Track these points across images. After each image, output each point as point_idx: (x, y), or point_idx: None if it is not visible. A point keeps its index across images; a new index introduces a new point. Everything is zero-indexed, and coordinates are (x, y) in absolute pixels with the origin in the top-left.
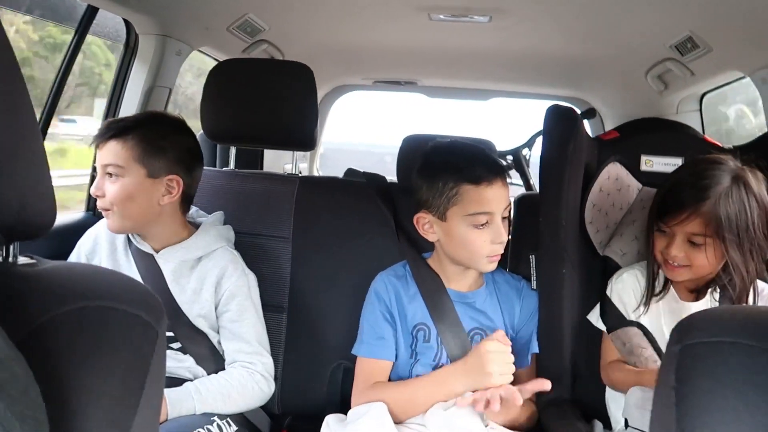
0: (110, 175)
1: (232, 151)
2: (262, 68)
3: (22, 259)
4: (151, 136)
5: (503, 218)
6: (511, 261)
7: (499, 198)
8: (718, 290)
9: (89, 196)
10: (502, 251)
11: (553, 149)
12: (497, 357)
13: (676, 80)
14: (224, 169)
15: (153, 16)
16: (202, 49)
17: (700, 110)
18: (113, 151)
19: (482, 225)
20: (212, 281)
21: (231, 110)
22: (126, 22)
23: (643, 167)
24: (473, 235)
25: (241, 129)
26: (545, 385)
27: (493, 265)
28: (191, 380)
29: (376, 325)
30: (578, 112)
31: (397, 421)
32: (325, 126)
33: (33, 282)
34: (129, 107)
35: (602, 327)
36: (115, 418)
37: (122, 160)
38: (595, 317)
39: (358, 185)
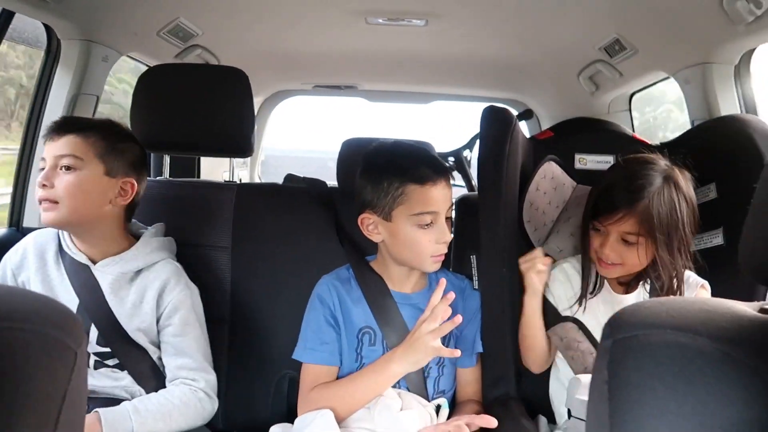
0: (65, 168)
1: (166, 159)
2: (195, 73)
3: None
4: (111, 136)
5: (447, 218)
6: (454, 262)
7: (444, 198)
8: (649, 282)
9: (12, 210)
10: (446, 251)
11: (490, 150)
12: (436, 335)
13: (606, 81)
14: (158, 178)
15: (75, 20)
16: (131, 55)
17: (630, 110)
18: (72, 143)
19: (427, 225)
20: (153, 294)
21: (163, 117)
22: (46, 26)
23: (577, 165)
24: (418, 234)
25: (175, 136)
26: (492, 422)
27: (438, 265)
28: (128, 400)
29: (319, 330)
30: (515, 113)
31: (344, 419)
32: (265, 132)
33: None
34: (53, 116)
35: None
36: None
37: (82, 152)
38: None
39: (299, 191)
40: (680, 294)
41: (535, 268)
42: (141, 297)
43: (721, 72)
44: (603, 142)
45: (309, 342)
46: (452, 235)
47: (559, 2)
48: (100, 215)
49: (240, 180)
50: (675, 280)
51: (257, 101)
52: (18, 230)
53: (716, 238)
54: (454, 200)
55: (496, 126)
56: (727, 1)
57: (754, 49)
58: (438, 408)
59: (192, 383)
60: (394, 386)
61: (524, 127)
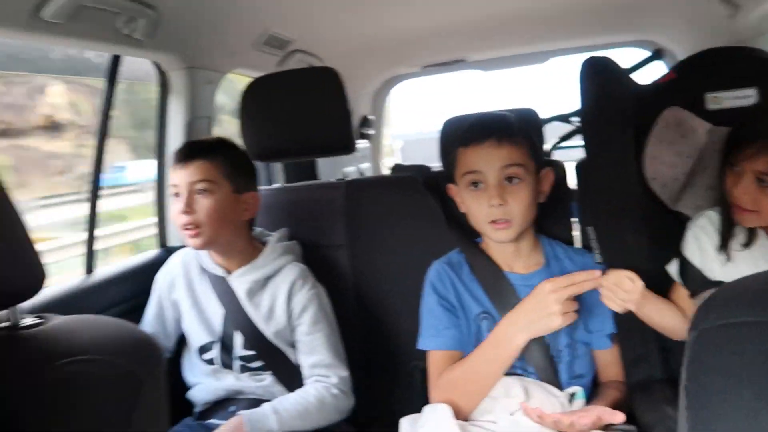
0: (200, 192)
1: (277, 166)
2: (287, 80)
3: (28, 320)
4: (233, 155)
5: (509, 179)
6: (583, 234)
7: (489, 157)
8: None
9: (161, 234)
10: (503, 216)
11: (591, 107)
12: (559, 296)
13: None
14: (273, 186)
15: (175, 53)
16: (235, 72)
17: None
18: (203, 168)
19: (477, 186)
20: (283, 297)
21: (266, 127)
22: (153, 62)
23: (710, 106)
24: (470, 197)
25: (281, 144)
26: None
27: (503, 234)
28: (268, 401)
29: (434, 315)
30: (647, 54)
31: (470, 404)
32: (385, 120)
33: (32, 343)
34: (175, 142)
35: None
36: None
37: (213, 176)
38: (674, 269)
39: (405, 180)
40: None
41: (616, 296)
42: (273, 301)
43: None
44: (742, 73)
45: (428, 329)
46: (520, 200)
47: None
48: (235, 230)
49: (363, 174)
50: None
51: (368, 90)
52: (165, 250)
53: None
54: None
55: (596, 79)
56: None
57: None
58: (572, 397)
59: (325, 380)
60: (520, 374)
61: (662, 68)
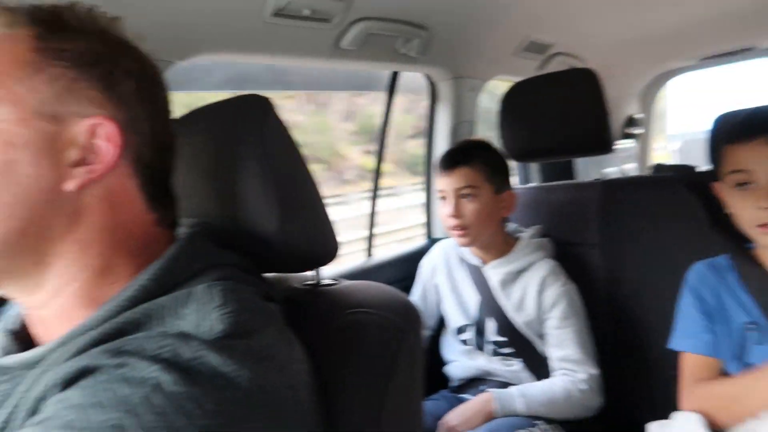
0: (464, 196)
1: (534, 165)
2: (545, 83)
3: (327, 281)
4: (491, 157)
5: None
6: None
7: (759, 156)
8: None
9: (428, 227)
10: None
11: None
12: None
13: None
14: (529, 185)
15: (443, 65)
16: (495, 78)
17: None
18: (465, 174)
19: (743, 186)
20: (534, 290)
21: (525, 129)
22: (425, 74)
23: None
24: (735, 197)
25: (538, 145)
26: None
27: None
28: (515, 385)
29: (691, 317)
30: None
31: (722, 426)
32: (657, 118)
33: (328, 297)
34: (442, 144)
35: None
36: (365, 397)
37: (475, 181)
38: None
39: (666, 180)
40: None
41: None
42: (524, 293)
43: None
44: None
45: (682, 330)
46: None
47: None
48: (495, 227)
49: (628, 172)
50: None
51: (635, 89)
52: (431, 241)
53: None
54: None
55: None
56: None
57: None
58: None
59: (573, 375)
60: None
61: None
